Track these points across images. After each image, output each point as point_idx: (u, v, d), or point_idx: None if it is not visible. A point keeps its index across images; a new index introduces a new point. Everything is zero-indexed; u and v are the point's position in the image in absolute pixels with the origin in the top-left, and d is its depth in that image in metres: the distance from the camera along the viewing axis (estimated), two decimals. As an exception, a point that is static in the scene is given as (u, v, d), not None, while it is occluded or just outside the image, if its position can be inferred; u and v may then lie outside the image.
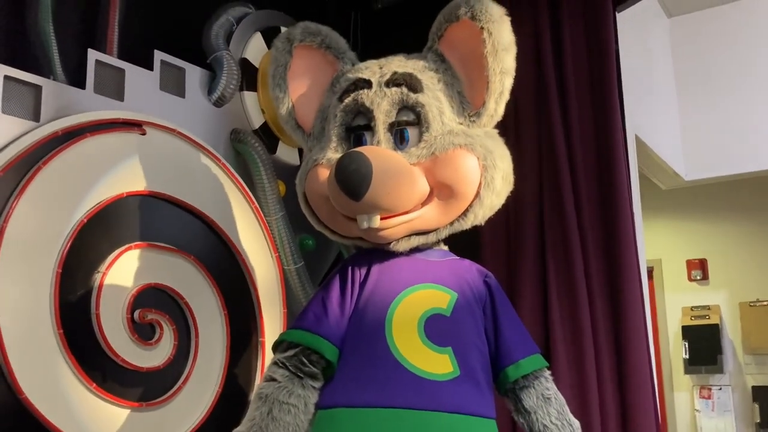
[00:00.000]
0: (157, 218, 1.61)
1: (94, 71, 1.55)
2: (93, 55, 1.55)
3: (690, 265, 4.30)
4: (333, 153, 1.33)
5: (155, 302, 1.57)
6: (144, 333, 1.54)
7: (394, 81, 1.31)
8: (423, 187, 1.28)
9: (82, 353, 1.42)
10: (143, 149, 1.60)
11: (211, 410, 1.64)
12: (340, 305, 1.31)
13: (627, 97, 2.18)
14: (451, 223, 1.33)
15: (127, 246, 1.54)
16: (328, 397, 1.25)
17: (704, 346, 4.13)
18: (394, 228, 1.27)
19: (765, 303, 4.06)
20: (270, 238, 1.88)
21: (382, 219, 1.25)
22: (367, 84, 1.33)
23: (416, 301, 1.29)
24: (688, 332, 4.17)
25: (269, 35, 1.96)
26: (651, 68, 2.76)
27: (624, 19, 2.20)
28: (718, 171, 2.88)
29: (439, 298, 1.30)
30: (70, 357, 1.39)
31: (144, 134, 1.60)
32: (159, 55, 1.70)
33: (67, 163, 1.44)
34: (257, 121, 1.94)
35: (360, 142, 1.32)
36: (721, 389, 4.11)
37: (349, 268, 1.35)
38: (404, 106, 1.31)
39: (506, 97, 1.34)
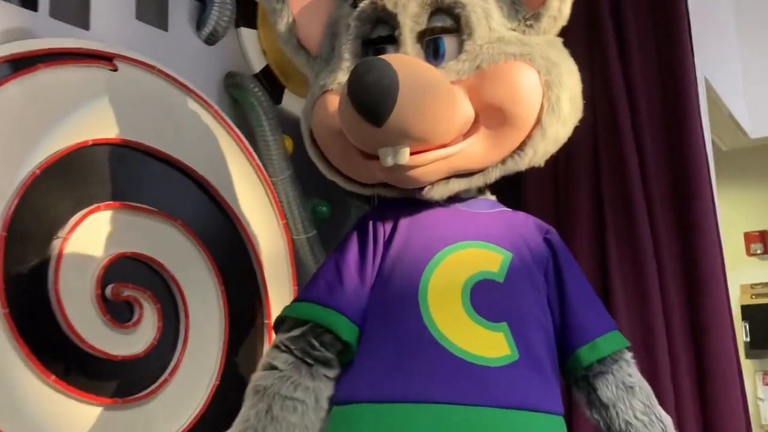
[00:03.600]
0: (133, 173, 1.33)
1: (50, -10, 1.26)
2: (49, -28, 1.26)
3: (748, 238, 3.93)
4: (346, 75, 1.03)
5: (133, 275, 1.28)
6: (119, 313, 1.25)
7: None
8: (466, 111, 0.97)
9: (37, 338, 1.13)
10: (114, 88, 1.31)
11: (205, 407, 1.35)
12: (359, 270, 1.01)
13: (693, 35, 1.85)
14: (504, 162, 1.03)
15: (95, 206, 1.25)
16: (347, 390, 0.96)
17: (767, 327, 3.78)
18: (428, 166, 0.97)
19: (834, 277, 3.72)
20: (276, 202, 1.59)
21: (412, 154, 0.95)
22: None
23: (459, 263, 0.99)
24: (748, 312, 3.82)
25: (270, -38, 1.66)
26: (710, 4, 2.38)
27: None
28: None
29: (488, 258, 1.00)
30: (19, 343, 1.11)
31: (115, 70, 1.31)
32: (135, -21, 1.41)
33: (13, 99, 1.15)
34: (258, 63, 1.65)
35: None
36: (787, 375, 3.77)
37: (370, 223, 1.05)
38: (438, 8, 1.01)
39: (573, -10, 1.03)
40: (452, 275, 0.98)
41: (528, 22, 1.03)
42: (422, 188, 1.01)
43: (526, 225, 1.07)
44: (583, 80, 1.65)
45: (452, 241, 1.01)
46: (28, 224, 1.16)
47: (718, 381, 1.59)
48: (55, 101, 1.22)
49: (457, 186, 1.02)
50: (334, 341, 0.97)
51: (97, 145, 1.26)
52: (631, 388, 1.03)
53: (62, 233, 1.19)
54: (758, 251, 3.91)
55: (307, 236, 1.65)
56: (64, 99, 1.23)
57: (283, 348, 0.98)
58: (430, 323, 0.94)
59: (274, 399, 0.93)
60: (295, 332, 0.98)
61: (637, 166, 1.65)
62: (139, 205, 1.32)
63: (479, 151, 0.99)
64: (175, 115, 1.41)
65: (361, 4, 1.04)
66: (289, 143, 1.66)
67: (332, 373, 0.97)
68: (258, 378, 0.97)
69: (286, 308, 1.03)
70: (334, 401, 0.97)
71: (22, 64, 1.17)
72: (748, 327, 3.78)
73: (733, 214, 3.90)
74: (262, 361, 1.00)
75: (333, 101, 1.02)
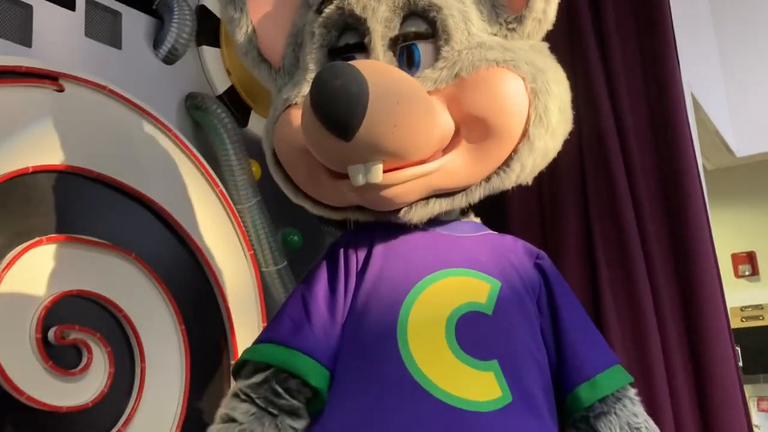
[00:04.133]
0: (81, 203, 1.21)
1: (-13, 5, 1.15)
2: (-16, -16, 1.15)
3: (736, 259, 3.84)
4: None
5: (80, 316, 1.16)
6: (64, 359, 1.12)
7: None
8: (445, 123, 0.87)
9: (-35, 390, 1.00)
10: (60, 110, 1.19)
11: (164, 462, 1.22)
12: (329, 305, 0.90)
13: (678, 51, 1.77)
14: (488, 179, 0.92)
15: (36, 240, 1.12)
16: (317, 444, 0.84)
17: (761, 351, 3.68)
18: (404, 185, 0.86)
19: (826, 297, 3.65)
20: (242, 232, 1.47)
21: (385, 171, 0.84)
22: None
23: (442, 294, 0.88)
24: (739, 336, 3.71)
25: (233, -22, 1.57)
26: (690, 18, 2.32)
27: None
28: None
29: (474, 288, 0.90)
30: (-57, 397, 0.97)
31: (61, 91, 1.20)
32: (84, -7, 1.30)
33: (-59, 122, 1.04)
34: (221, 84, 1.55)
35: None
36: (782, 400, 3.67)
37: (341, 251, 0.94)
38: (412, 12, 0.92)
39: (559, -7, 0.94)
40: (435, 308, 0.87)
41: (510, 26, 0.94)
42: (398, 210, 0.90)
43: (515, 249, 0.97)
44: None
45: (434, 269, 0.90)
46: (-43, 261, 1.03)
47: (720, 410, 1.48)
48: (-9, 124, 1.10)
49: (437, 207, 0.91)
50: (302, 387, 0.85)
51: (40, 171, 1.15)
52: (638, 429, 0.92)
53: (-3, 270, 1.07)
54: (747, 273, 3.83)
55: (277, 268, 1.53)
56: (1, 121, 1.11)
57: (243, 397, 0.86)
58: (410, 364, 0.83)
59: (232, 457, 0.80)
60: (257, 378, 0.86)
61: (626, 183, 1.56)
62: (88, 237, 1.20)
63: (461, 168, 0.89)
64: (129, 139, 1.30)
65: (327, 10, 0.94)
66: (256, 168, 1.55)
67: (300, 424, 0.85)
68: (215, 432, 0.84)
69: (247, 351, 0.91)
70: (303, 456, 0.85)
71: (-48, 82, 1.06)
72: (740, 352, 3.69)
73: (720, 234, 3.84)
74: (220, 412, 0.88)
75: (297, 116, 0.91)
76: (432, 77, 0.88)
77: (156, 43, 1.43)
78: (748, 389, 3.86)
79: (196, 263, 1.37)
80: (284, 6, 1.04)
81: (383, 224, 0.94)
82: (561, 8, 0.99)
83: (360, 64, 0.81)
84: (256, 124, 1.60)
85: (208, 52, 1.53)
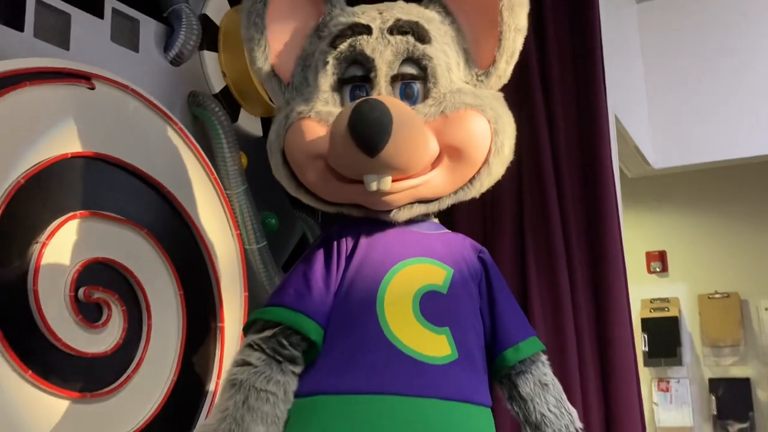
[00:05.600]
0: (105, 184, 1.42)
1: (35, 12, 1.34)
2: (33, -6, 1.35)
3: (649, 257, 4.27)
4: (323, 106, 1.18)
5: (102, 279, 1.38)
6: (89, 314, 1.35)
7: (399, 28, 1.16)
8: (435, 147, 1.14)
9: (17, 336, 1.22)
10: (91, 105, 1.40)
11: (164, 401, 1.45)
12: (324, 279, 1.15)
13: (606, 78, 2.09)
14: (456, 192, 1.20)
15: (70, 214, 1.34)
16: (311, 384, 1.10)
17: (663, 338, 4.13)
18: (401, 193, 1.13)
19: (724, 295, 4.10)
20: (231, 214, 1.70)
21: (393, 181, 1.10)
22: (366, 29, 1.17)
23: (410, 277, 1.15)
24: (647, 325, 4.16)
25: (232, -9, 1.79)
26: (621, 50, 2.68)
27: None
28: (687, 159, 2.83)
29: (434, 273, 1.17)
30: (1, 340, 1.19)
31: (93, 88, 1.41)
32: (111, 3, 1.51)
33: (1, 114, 1.24)
34: (218, 84, 1.77)
35: (356, 95, 1.17)
36: (678, 382, 4.11)
37: (335, 238, 1.19)
38: (409, 58, 1.17)
39: (516, 58, 1.22)
40: (405, 286, 1.13)
41: (479, 78, 1.21)
42: (389, 211, 1.16)
43: (464, 245, 1.24)
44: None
45: (405, 257, 1.16)
46: (12, 229, 1.24)
47: (619, 381, 1.80)
48: (38, 116, 1.30)
49: (417, 210, 1.18)
50: (301, 341, 1.10)
51: (75, 157, 1.35)
52: (546, 385, 1.20)
53: (41, 238, 1.28)
54: (657, 269, 4.26)
55: (258, 246, 1.76)
56: (46, 114, 1.32)
57: (255, 346, 1.10)
58: (385, 327, 1.09)
59: (250, 391, 1.05)
60: (267, 333, 1.10)
61: (555, 193, 1.86)
62: (109, 213, 1.41)
63: (440, 182, 1.16)
64: (144, 131, 1.51)
65: (340, 46, 1.18)
66: (244, 159, 1.78)
67: (298, 369, 1.10)
68: (234, 372, 1.08)
69: (258, 312, 1.15)
70: (298, 393, 1.09)
71: (9, 81, 1.25)
72: (646, 338, 4.13)
73: (636, 234, 4.25)
74: (236, 358, 1.12)
75: (310, 127, 1.15)
76: (423, 111, 1.14)
77: (166, 47, 1.64)
78: (651, 371, 4.33)
79: (194, 239, 1.59)
80: (297, 33, 1.26)
81: (368, 220, 1.19)
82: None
83: (386, 100, 1.05)
84: (245, 121, 1.83)
85: (208, 56, 1.74)
